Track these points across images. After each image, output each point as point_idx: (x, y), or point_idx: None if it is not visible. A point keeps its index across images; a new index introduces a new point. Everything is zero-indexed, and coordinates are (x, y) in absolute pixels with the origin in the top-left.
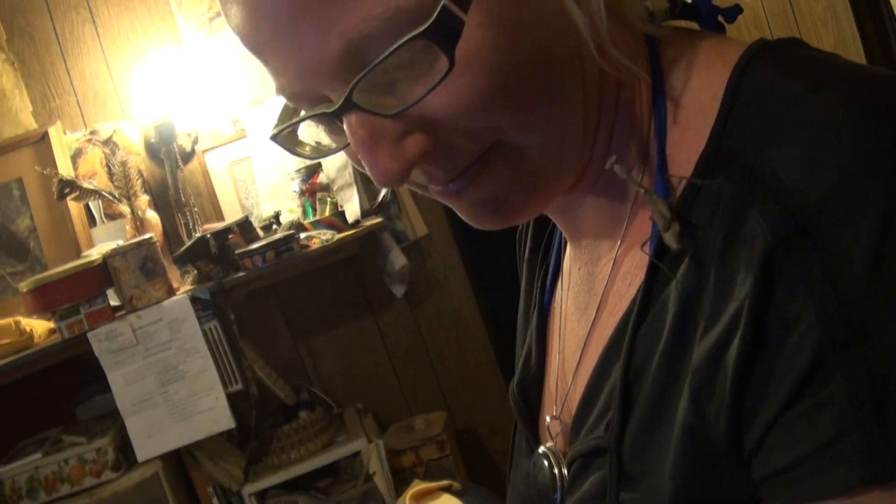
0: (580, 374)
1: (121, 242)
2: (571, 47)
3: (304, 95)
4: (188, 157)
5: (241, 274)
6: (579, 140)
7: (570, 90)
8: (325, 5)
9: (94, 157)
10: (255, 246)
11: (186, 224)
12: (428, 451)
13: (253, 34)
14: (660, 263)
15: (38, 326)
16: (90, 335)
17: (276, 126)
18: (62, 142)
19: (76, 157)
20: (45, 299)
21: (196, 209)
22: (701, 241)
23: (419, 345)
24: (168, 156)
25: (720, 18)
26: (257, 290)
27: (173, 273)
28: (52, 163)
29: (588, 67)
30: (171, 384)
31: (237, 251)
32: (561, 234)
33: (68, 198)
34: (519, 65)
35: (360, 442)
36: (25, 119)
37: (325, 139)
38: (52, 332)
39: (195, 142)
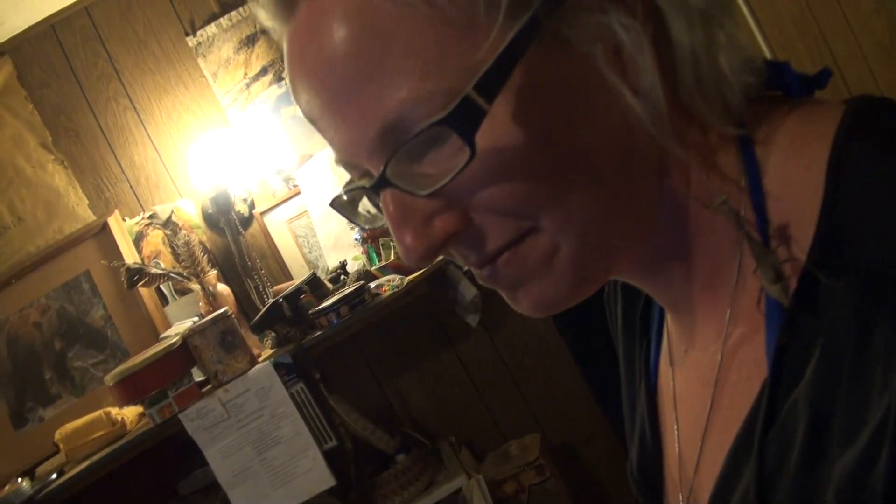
0: (704, 467)
1: (196, 319)
2: (624, 131)
3: (353, 166)
4: (247, 221)
5: (318, 333)
6: (635, 220)
7: (621, 175)
8: (363, 89)
9: (156, 237)
10: (328, 303)
11: (256, 287)
12: (528, 477)
13: (308, 109)
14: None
15: (129, 413)
16: (181, 416)
17: (336, 196)
18: (122, 228)
19: (138, 240)
20: (132, 389)
21: (263, 271)
22: (825, 344)
23: (502, 369)
24: (228, 224)
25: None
26: (336, 344)
27: (252, 340)
28: (116, 250)
29: (650, 149)
30: (268, 451)
31: (311, 311)
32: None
33: (138, 285)
34: (555, 154)
35: (461, 479)
36: (83, 213)
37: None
38: (142, 415)
39: (252, 206)
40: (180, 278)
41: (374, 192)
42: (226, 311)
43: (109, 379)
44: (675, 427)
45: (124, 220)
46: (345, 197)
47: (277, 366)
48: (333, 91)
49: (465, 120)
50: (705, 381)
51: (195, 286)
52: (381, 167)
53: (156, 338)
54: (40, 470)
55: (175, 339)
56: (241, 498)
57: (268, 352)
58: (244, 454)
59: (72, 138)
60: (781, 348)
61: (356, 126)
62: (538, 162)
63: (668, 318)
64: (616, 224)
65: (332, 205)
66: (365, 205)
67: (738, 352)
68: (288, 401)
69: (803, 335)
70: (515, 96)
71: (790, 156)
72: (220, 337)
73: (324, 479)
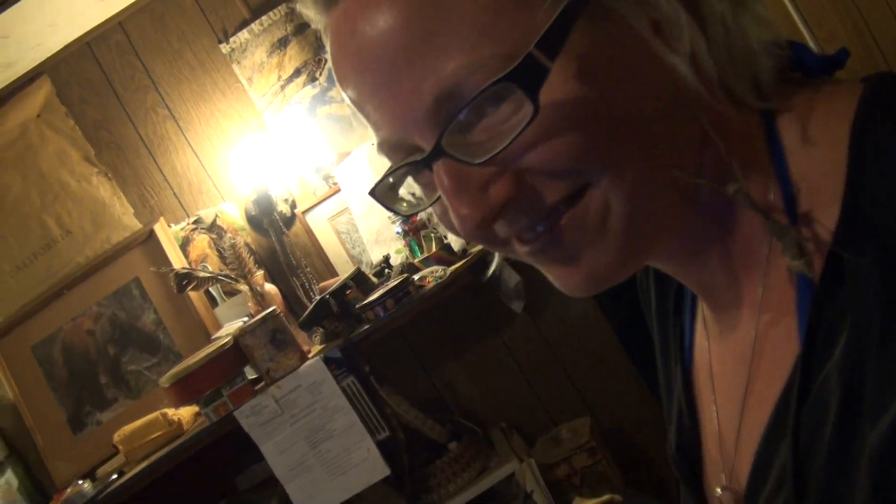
0: (743, 444)
1: (245, 319)
2: (669, 100)
3: (400, 147)
4: (290, 221)
5: (365, 327)
6: (679, 194)
7: (667, 143)
8: (420, 57)
9: (202, 242)
10: (373, 297)
11: (302, 285)
12: (580, 460)
13: (357, 87)
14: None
15: (185, 413)
16: (236, 414)
17: (378, 181)
18: (168, 235)
19: (185, 245)
20: (187, 391)
21: (308, 269)
22: (854, 319)
23: (549, 354)
24: (271, 225)
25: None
26: (384, 336)
27: (301, 337)
28: (163, 256)
29: (692, 121)
30: (322, 444)
31: (357, 305)
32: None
33: (187, 289)
34: (608, 114)
35: (513, 464)
36: (129, 222)
37: (419, 192)
38: (198, 415)
39: (293, 205)
40: (228, 280)
41: (426, 165)
42: (274, 310)
43: (165, 381)
44: (714, 406)
45: (170, 226)
46: (390, 179)
47: (327, 361)
48: (388, 64)
49: (529, 77)
50: (741, 360)
51: (243, 287)
52: (436, 138)
53: (207, 339)
54: (101, 471)
55: (227, 340)
56: (298, 491)
57: (317, 348)
58: (299, 448)
59: (114, 150)
60: (812, 325)
61: (411, 97)
62: (593, 120)
63: (702, 303)
64: (663, 187)
65: (372, 192)
66: (409, 188)
67: (771, 330)
68: (339, 394)
69: (833, 311)
70: (572, 58)
71: (813, 136)
72: (271, 335)
73: (378, 469)
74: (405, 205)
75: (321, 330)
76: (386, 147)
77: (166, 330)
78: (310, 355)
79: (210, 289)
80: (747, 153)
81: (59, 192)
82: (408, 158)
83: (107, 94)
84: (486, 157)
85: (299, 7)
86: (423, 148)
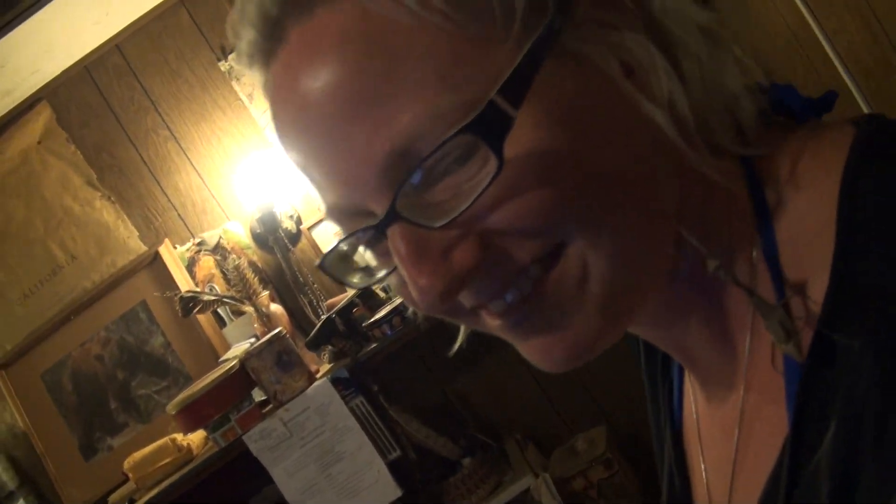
0: None
1: (253, 340)
2: (646, 150)
3: (351, 212)
4: (295, 238)
5: (373, 345)
6: (660, 254)
7: (646, 197)
8: (370, 110)
9: (208, 262)
10: (380, 315)
11: (310, 302)
12: (596, 472)
13: (301, 148)
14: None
15: (195, 438)
16: (245, 438)
17: (327, 253)
18: (174, 256)
19: (191, 266)
20: (195, 416)
21: (316, 285)
22: (845, 406)
23: None
24: (277, 242)
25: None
26: (393, 353)
27: (310, 356)
28: (169, 278)
29: (671, 174)
30: (332, 466)
31: (364, 323)
32: None
33: (193, 313)
34: (581, 167)
35: (528, 479)
36: (134, 245)
37: (375, 261)
38: (208, 439)
39: (298, 222)
40: (233, 302)
41: (380, 231)
42: (280, 332)
43: (171, 408)
44: (704, 474)
45: (175, 247)
46: (344, 247)
47: (335, 381)
48: (334, 120)
49: (492, 127)
50: (728, 434)
51: (248, 309)
52: (390, 200)
53: (216, 360)
54: (112, 498)
55: (233, 364)
56: None
57: (326, 367)
58: (309, 471)
59: (116, 173)
60: (801, 406)
61: (360, 155)
62: (565, 174)
63: (686, 368)
64: (644, 246)
65: (321, 265)
66: (362, 259)
67: (757, 408)
68: (348, 415)
69: (823, 394)
70: (538, 106)
71: (800, 191)
72: (277, 357)
73: (389, 491)
74: (358, 277)
75: (329, 348)
76: (335, 213)
77: (175, 352)
78: (318, 375)
79: (218, 309)
80: (729, 209)
81: (63, 217)
82: (360, 225)
83: (106, 117)
84: (448, 220)
85: (235, 64)
86: (375, 212)
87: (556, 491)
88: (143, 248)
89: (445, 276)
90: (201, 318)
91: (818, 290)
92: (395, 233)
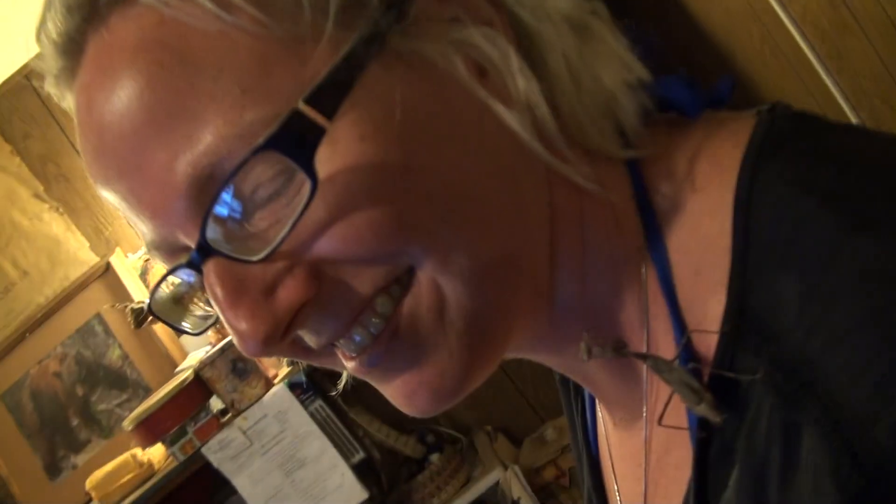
0: None
1: (209, 348)
2: (506, 162)
3: (167, 248)
4: None
5: None
6: (529, 275)
7: (507, 212)
8: (171, 129)
9: (161, 270)
10: None
11: None
12: (567, 461)
13: (105, 177)
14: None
15: (155, 452)
16: (204, 450)
17: (152, 295)
18: (125, 266)
19: (144, 274)
20: (152, 431)
21: None
22: (748, 446)
23: None
24: None
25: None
26: None
27: (268, 361)
28: (122, 288)
29: (538, 185)
30: (296, 472)
31: None
32: None
33: (146, 324)
34: (422, 182)
35: (497, 471)
36: (85, 256)
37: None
38: (168, 453)
39: None
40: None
41: (195, 268)
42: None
43: (128, 424)
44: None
45: (127, 256)
46: (167, 289)
47: (293, 386)
48: (133, 144)
49: (298, 140)
50: (637, 464)
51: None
52: (199, 231)
53: (175, 370)
54: None
55: (187, 374)
56: None
57: (284, 370)
58: (273, 478)
59: (62, 184)
60: (702, 443)
61: (164, 181)
62: (399, 190)
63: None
64: (508, 268)
65: (150, 310)
66: (199, 302)
67: (661, 439)
68: (308, 420)
69: (724, 433)
70: (363, 115)
71: (694, 196)
72: (231, 365)
73: (355, 494)
74: (192, 322)
75: None
76: (154, 250)
77: (133, 364)
78: (276, 380)
79: None
80: (612, 222)
81: (12, 233)
82: (173, 264)
83: (50, 125)
84: (268, 251)
85: (47, 87)
86: (190, 246)
87: (525, 482)
88: (95, 258)
89: (267, 319)
90: (157, 327)
91: (714, 317)
92: (209, 270)
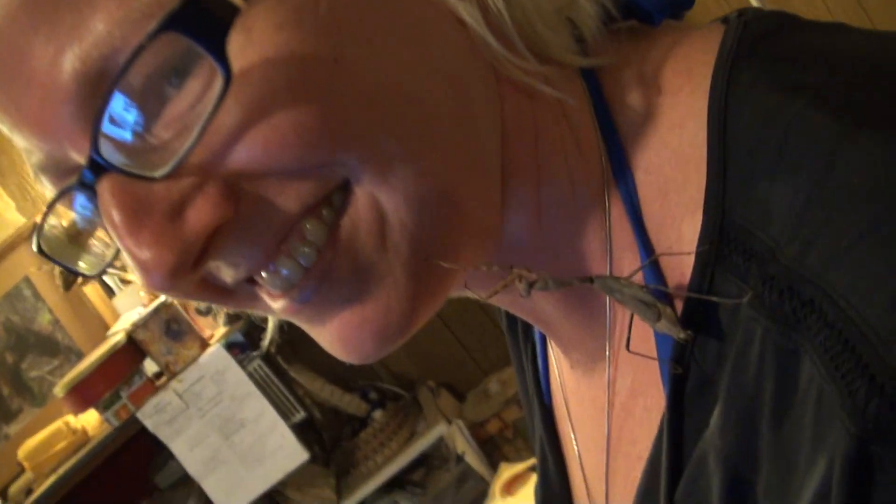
0: None
1: (142, 309)
2: (455, 59)
3: (58, 171)
4: None
5: None
6: (480, 193)
7: (454, 117)
8: (58, 19)
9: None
10: None
11: None
12: (511, 413)
13: None
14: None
15: (89, 419)
16: (139, 414)
17: (37, 230)
18: None
19: None
20: (84, 397)
21: None
22: (733, 381)
23: (472, 304)
24: None
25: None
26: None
27: (204, 321)
28: None
29: (489, 91)
30: (235, 435)
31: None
32: None
33: (74, 285)
34: (357, 79)
35: (441, 427)
36: (12, 217)
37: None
38: (102, 419)
39: None
40: (116, 271)
41: (84, 188)
42: (166, 300)
43: (59, 390)
44: (578, 458)
45: None
46: (56, 226)
47: (230, 346)
48: (10, 35)
49: (205, 18)
50: (598, 408)
51: (132, 276)
52: (91, 140)
53: (107, 333)
54: (13, 490)
55: (120, 338)
56: (216, 486)
57: (220, 331)
58: (211, 441)
59: None
60: (677, 379)
61: (49, 82)
62: (327, 84)
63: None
64: (456, 183)
65: (39, 249)
66: (95, 238)
67: (629, 371)
68: (246, 381)
69: (705, 360)
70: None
71: (660, 110)
72: (165, 327)
73: (296, 455)
74: (87, 262)
75: (224, 311)
76: (40, 173)
77: (63, 329)
78: (212, 341)
79: (105, 278)
80: (569, 135)
81: None
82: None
83: None
84: (173, 164)
85: None
86: (81, 163)
87: (469, 436)
88: (22, 219)
89: (174, 245)
90: (88, 289)
91: (692, 231)
92: (103, 190)
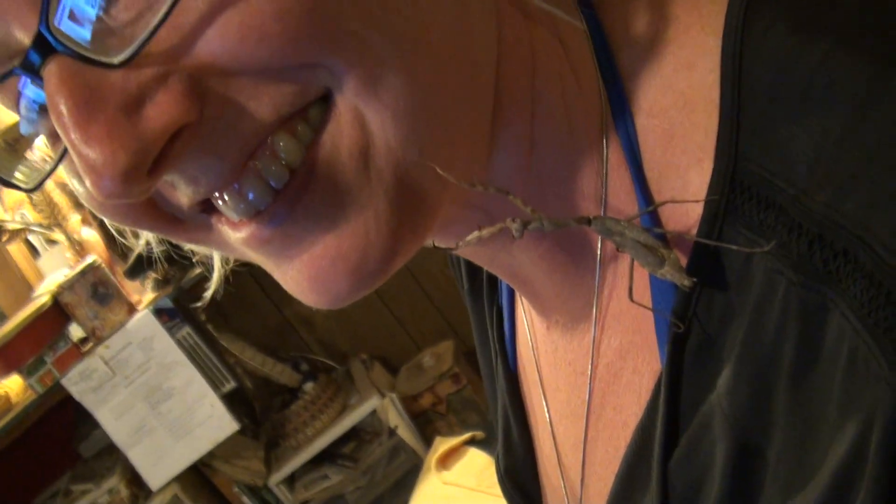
0: (592, 480)
1: (67, 271)
2: None
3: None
4: None
5: (199, 270)
6: (471, 120)
7: (449, 31)
8: None
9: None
10: None
11: None
12: (444, 387)
13: None
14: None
15: (13, 385)
16: (64, 381)
17: None
18: None
19: None
20: (7, 361)
21: None
22: (748, 333)
23: (407, 277)
24: None
25: None
26: (224, 276)
27: (133, 286)
28: None
29: (486, 12)
30: (162, 404)
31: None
32: None
33: None
34: None
35: (374, 400)
36: None
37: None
38: (26, 385)
39: None
40: (41, 230)
41: (29, 73)
42: (94, 262)
43: None
44: (549, 424)
45: None
46: None
47: (158, 312)
48: None
49: None
50: (578, 369)
51: (58, 236)
52: (40, 16)
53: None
54: None
55: (44, 300)
56: (142, 456)
57: (149, 296)
58: (137, 411)
59: None
60: (678, 337)
61: None
62: None
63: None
64: (448, 105)
65: None
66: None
67: (618, 331)
68: (175, 348)
69: (710, 318)
70: None
71: (666, 51)
72: (92, 290)
73: (225, 425)
74: (24, 172)
75: (152, 275)
76: None
77: None
78: (140, 306)
79: (30, 238)
80: (566, 79)
81: None
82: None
83: None
84: (132, 50)
85: None
86: (24, 42)
87: (402, 409)
88: None
89: (129, 143)
90: (12, 250)
91: (701, 177)
92: (50, 75)
